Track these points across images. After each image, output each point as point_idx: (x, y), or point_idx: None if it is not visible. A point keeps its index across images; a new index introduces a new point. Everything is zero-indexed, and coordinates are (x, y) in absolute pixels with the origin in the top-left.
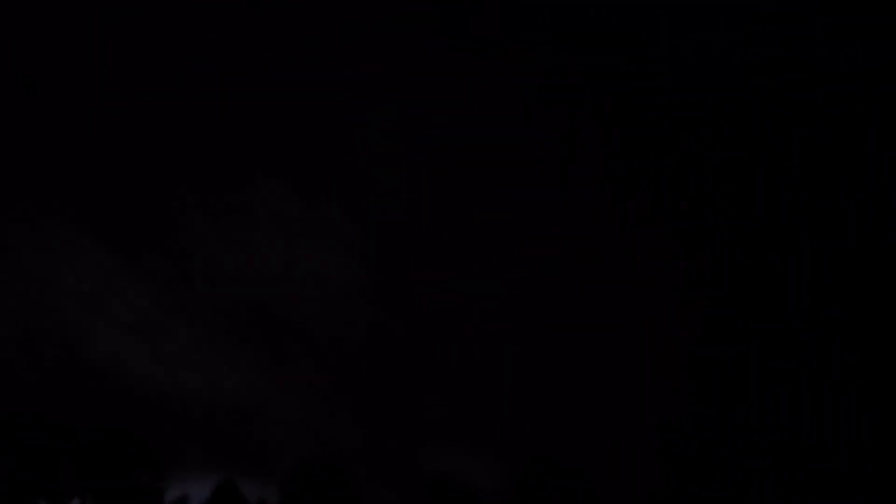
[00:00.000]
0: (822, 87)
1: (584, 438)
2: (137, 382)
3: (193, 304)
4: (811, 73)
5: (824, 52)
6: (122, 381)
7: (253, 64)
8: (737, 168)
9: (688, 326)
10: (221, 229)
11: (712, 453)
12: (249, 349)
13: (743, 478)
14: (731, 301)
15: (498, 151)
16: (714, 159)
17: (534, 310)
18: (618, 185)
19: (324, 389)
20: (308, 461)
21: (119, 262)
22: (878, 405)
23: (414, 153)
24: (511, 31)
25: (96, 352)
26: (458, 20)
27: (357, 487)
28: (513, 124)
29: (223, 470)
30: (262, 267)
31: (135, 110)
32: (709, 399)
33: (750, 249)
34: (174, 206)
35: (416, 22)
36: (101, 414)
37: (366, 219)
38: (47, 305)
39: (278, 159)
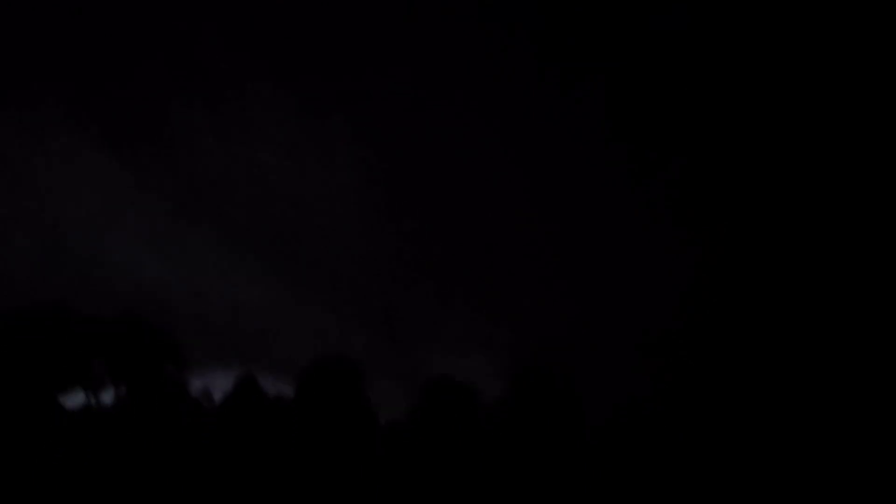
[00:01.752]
0: (822, 87)
1: (578, 346)
2: (155, 288)
3: (204, 216)
4: (811, 72)
5: (824, 51)
6: (140, 288)
7: None
8: (737, 168)
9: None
10: (230, 144)
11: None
12: (261, 257)
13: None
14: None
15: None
16: (714, 159)
17: (535, 222)
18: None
19: (333, 294)
20: (319, 360)
21: (130, 175)
22: (877, 405)
23: (414, 76)
24: (511, 30)
25: (113, 261)
26: (458, 20)
27: (364, 384)
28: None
29: (243, 366)
30: (270, 180)
31: (147, 26)
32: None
33: (749, 248)
34: (183, 121)
35: (418, 22)
36: (124, 313)
37: (368, 133)
38: (66, 216)
39: (284, 78)
